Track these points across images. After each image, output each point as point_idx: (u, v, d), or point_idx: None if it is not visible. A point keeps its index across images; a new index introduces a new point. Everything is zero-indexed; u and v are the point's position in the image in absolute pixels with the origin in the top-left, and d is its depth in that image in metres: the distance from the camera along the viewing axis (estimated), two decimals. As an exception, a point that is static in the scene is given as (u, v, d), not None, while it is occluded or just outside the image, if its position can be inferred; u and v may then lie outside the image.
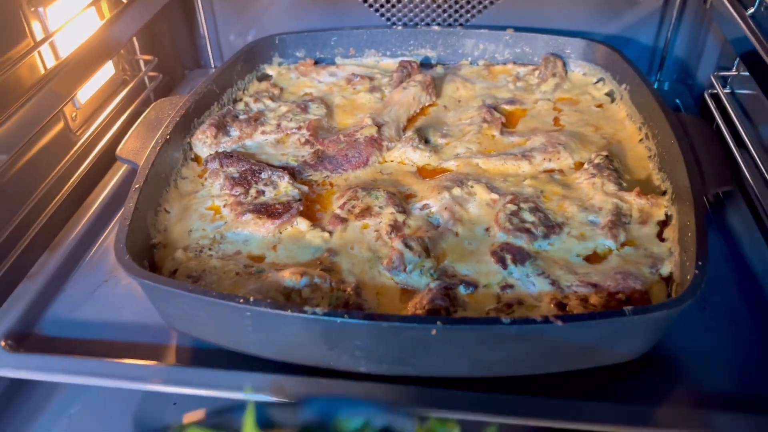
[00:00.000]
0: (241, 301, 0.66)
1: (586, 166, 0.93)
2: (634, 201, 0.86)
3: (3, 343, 0.82)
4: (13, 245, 0.90)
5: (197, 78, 1.40)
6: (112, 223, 1.01)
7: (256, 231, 0.85)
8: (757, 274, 0.86)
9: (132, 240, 0.78)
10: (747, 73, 1.03)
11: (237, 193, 0.91)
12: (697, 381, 0.74)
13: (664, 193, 0.89)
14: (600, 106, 1.10)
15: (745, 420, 0.68)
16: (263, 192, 0.91)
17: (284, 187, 0.92)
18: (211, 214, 0.90)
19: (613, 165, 0.92)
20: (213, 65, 1.43)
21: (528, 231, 0.82)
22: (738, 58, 1.09)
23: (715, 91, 1.09)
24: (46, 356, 0.81)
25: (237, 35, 1.41)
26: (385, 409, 0.53)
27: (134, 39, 1.21)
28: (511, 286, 0.76)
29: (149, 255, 0.83)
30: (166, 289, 0.70)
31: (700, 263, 0.70)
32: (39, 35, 0.97)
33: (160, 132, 0.96)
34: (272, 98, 1.12)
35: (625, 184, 0.89)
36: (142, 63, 1.25)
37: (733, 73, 1.10)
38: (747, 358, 0.76)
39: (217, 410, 0.54)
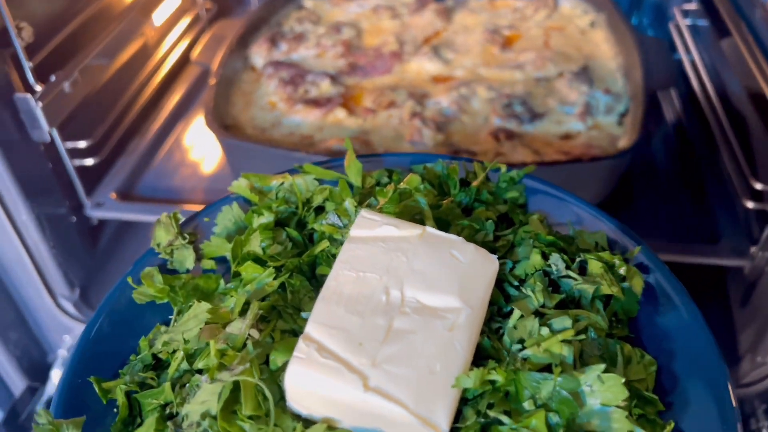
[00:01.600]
0: (304, 152, 0.92)
1: (566, 74, 1.17)
2: (601, 97, 1.10)
3: (114, 195, 1.08)
4: (114, 129, 1.15)
5: (241, 12, 1.63)
6: (186, 117, 1.27)
7: (306, 117, 1.10)
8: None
9: (215, 119, 1.03)
10: (701, 7, 1.27)
11: (289, 91, 1.15)
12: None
13: (625, 91, 1.13)
14: (582, 32, 1.34)
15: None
16: (309, 90, 1.15)
17: (326, 87, 1.16)
18: (269, 107, 1.14)
19: (588, 73, 1.16)
20: (252, 2, 1.65)
21: (517, 117, 1.07)
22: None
23: (677, 22, 1.32)
24: (143, 204, 1.07)
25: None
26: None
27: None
28: (502, 154, 1.01)
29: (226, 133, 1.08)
30: (247, 145, 0.96)
31: (639, 133, 0.94)
32: (128, -36, 1.21)
33: (225, 44, 1.20)
34: (312, 22, 1.35)
35: (595, 86, 1.13)
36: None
37: (693, 6, 1.33)
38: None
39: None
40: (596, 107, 1.09)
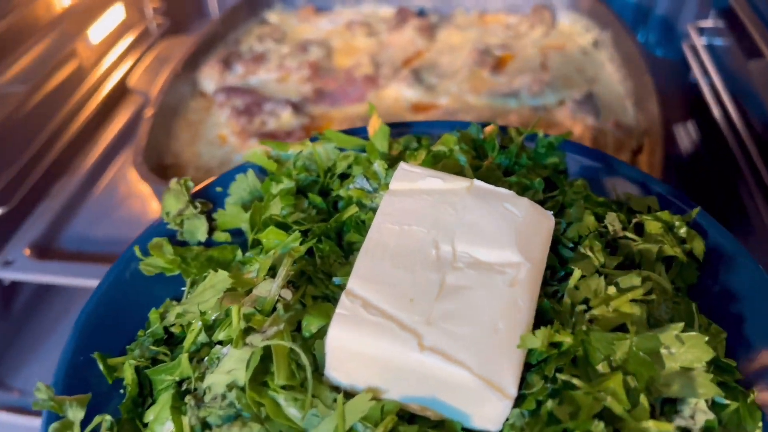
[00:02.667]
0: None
1: (568, 102, 1.00)
2: (610, 132, 0.93)
3: (28, 251, 0.89)
4: (33, 167, 0.96)
5: (199, 26, 1.45)
6: (124, 152, 1.08)
7: (261, 155, 0.92)
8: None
9: (148, 159, 0.85)
10: (722, 24, 1.11)
11: (242, 122, 0.97)
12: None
13: (637, 124, 0.96)
14: (584, 51, 1.17)
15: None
16: (266, 122, 0.98)
17: (286, 118, 0.99)
18: (219, 141, 0.97)
19: (593, 101, 0.99)
20: (212, 14, 1.48)
21: (512, 156, 0.89)
22: (714, 11, 1.16)
23: (692, 41, 1.16)
24: (65, 263, 0.88)
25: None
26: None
27: (143, -16, 1.26)
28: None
29: (163, 175, 0.90)
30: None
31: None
32: (55, -27, 1.03)
33: (170, 67, 1.02)
34: (275, 41, 1.18)
35: (603, 117, 0.96)
36: (150, 10, 1.31)
37: (710, 24, 1.17)
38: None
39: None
40: (604, 144, 0.92)
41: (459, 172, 0.51)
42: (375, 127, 0.56)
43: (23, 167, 0.91)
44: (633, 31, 1.21)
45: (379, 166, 0.52)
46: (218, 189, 0.56)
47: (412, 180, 0.47)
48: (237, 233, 0.53)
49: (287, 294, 0.43)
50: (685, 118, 1.00)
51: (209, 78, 1.06)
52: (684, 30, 1.25)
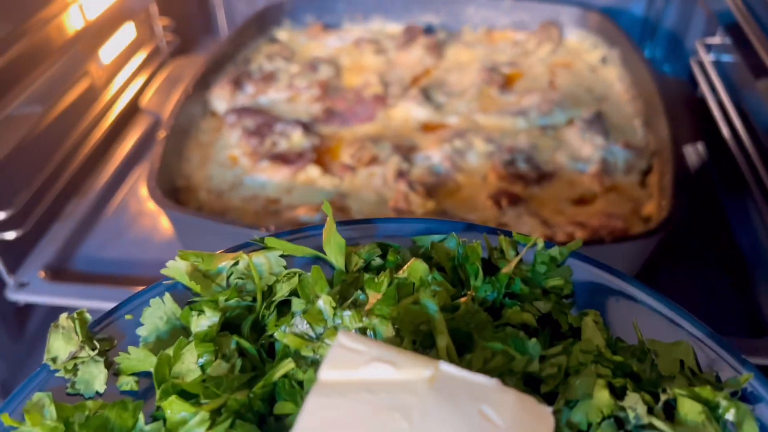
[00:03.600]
0: (264, 229, 0.74)
1: (576, 121, 1.01)
2: (619, 152, 0.93)
3: (43, 273, 0.90)
4: (47, 189, 0.97)
5: (209, 43, 1.46)
6: (136, 172, 1.09)
7: (273, 176, 0.93)
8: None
9: (160, 182, 0.86)
10: (729, 41, 1.11)
11: (253, 144, 0.98)
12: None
13: (647, 145, 0.96)
14: (593, 69, 1.18)
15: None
16: (277, 143, 0.99)
17: (297, 139, 0.99)
18: (230, 162, 0.97)
19: (602, 121, 1.00)
20: (222, 31, 1.49)
21: (522, 176, 0.90)
22: (721, 27, 1.16)
23: (700, 58, 1.16)
24: (78, 285, 0.89)
25: (246, 3, 1.47)
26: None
27: (154, 4, 1.27)
28: (505, 225, 0.84)
29: (174, 198, 0.91)
30: (196, 220, 0.78)
31: (672, 205, 0.78)
32: (68, -5, 1.04)
33: (181, 87, 1.03)
34: (284, 59, 1.18)
35: (612, 138, 0.97)
36: (161, 28, 1.32)
37: (717, 41, 1.17)
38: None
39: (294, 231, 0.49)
40: (614, 164, 0.92)
41: (426, 322, 0.39)
42: (328, 234, 0.45)
43: (37, 189, 0.92)
44: (640, 48, 1.22)
45: (324, 303, 0.41)
46: (127, 317, 0.45)
47: (351, 365, 0.34)
48: (149, 374, 0.42)
49: None
50: (694, 137, 1.01)
51: (220, 98, 1.07)
52: (691, 46, 1.26)
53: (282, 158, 0.94)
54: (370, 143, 0.97)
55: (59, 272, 0.92)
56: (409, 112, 1.05)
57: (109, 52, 1.15)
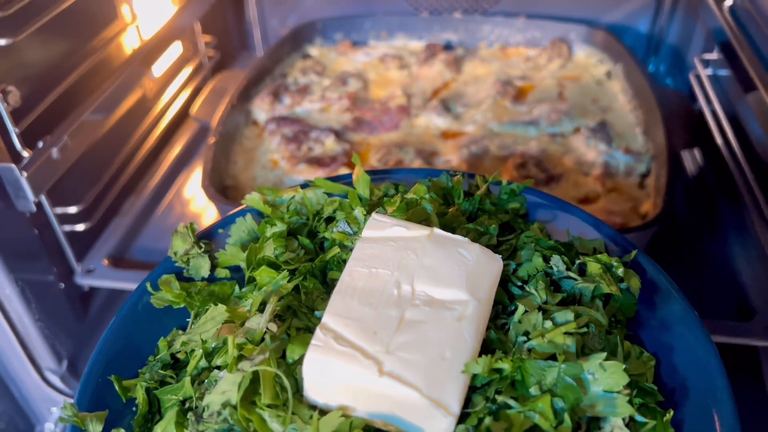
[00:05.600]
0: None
1: (583, 130, 1.11)
2: (621, 157, 1.04)
3: (106, 261, 1.02)
4: (110, 188, 1.10)
5: (245, 59, 1.59)
6: (184, 174, 1.21)
7: (309, 177, 1.04)
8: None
9: (212, 181, 0.98)
10: (724, 57, 1.21)
11: (291, 149, 1.10)
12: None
13: (646, 151, 1.06)
14: (598, 82, 1.28)
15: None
16: (312, 148, 1.10)
17: (330, 145, 1.11)
18: (271, 165, 1.09)
19: (606, 129, 1.10)
20: (257, 47, 1.62)
21: (532, 179, 1.00)
22: (717, 44, 1.26)
23: (698, 72, 1.26)
24: (136, 272, 1.01)
25: (279, 22, 1.60)
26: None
27: (198, 23, 1.40)
28: (516, 220, 0.94)
29: (224, 195, 1.02)
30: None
31: (665, 202, 0.88)
32: (127, 17, 1.17)
33: (226, 98, 1.15)
34: (317, 73, 1.30)
35: (614, 144, 1.07)
36: (203, 44, 1.45)
37: (714, 56, 1.27)
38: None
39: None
40: (616, 168, 1.03)
41: (427, 218, 0.58)
42: (358, 175, 0.62)
43: (102, 188, 1.04)
44: (644, 63, 1.32)
45: (358, 212, 0.58)
46: (220, 230, 0.63)
47: (381, 229, 0.54)
48: (236, 270, 0.59)
49: (273, 327, 0.49)
50: (692, 144, 1.10)
51: (261, 109, 1.19)
52: (692, 61, 1.36)
53: (317, 161, 1.06)
54: (396, 148, 1.08)
55: (120, 260, 1.04)
56: (431, 121, 1.17)
57: (159, 66, 1.28)
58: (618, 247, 0.60)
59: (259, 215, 0.63)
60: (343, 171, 1.05)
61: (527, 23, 1.39)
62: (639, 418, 0.45)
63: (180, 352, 0.53)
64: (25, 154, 0.86)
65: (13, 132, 0.84)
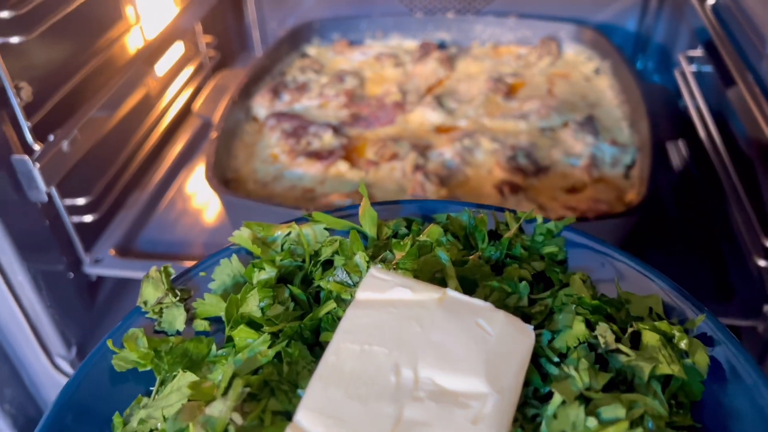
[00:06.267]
0: (304, 210, 0.90)
1: (571, 124, 1.15)
2: (607, 149, 1.08)
3: (113, 251, 1.06)
4: (114, 184, 1.14)
5: (244, 59, 1.63)
6: (186, 169, 1.25)
7: (308, 170, 1.08)
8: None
9: (215, 174, 1.02)
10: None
11: (291, 143, 1.14)
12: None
13: (632, 143, 1.11)
14: (587, 79, 1.33)
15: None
16: (311, 143, 1.14)
17: (328, 139, 1.15)
18: (271, 159, 1.13)
19: (593, 123, 1.14)
20: (256, 48, 1.66)
21: (522, 169, 1.05)
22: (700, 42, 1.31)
23: (683, 69, 1.31)
24: (142, 261, 1.05)
25: (277, 24, 1.64)
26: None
27: (199, 24, 1.44)
28: (507, 209, 0.99)
29: (227, 188, 1.07)
30: (246, 203, 0.94)
31: (648, 191, 0.92)
32: (131, 17, 1.21)
33: (227, 95, 1.19)
34: (315, 72, 1.35)
35: (601, 137, 1.11)
36: (204, 45, 1.49)
37: (698, 53, 1.32)
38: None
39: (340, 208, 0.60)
40: (602, 159, 1.07)
41: (441, 269, 0.49)
42: (364, 209, 0.54)
43: (108, 182, 1.08)
44: (631, 60, 1.37)
45: (360, 258, 0.50)
46: (201, 274, 0.55)
47: (380, 290, 0.44)
48: (219, 320, 0.51)
49: (238, 419, 0.41)
50: (676, 137, 1.15)
51: (261, 105, 1.23)
52: (677, 59, 1.40)
53: (316, 155, 1.10)
54: (391, 142, 1.12)
55: (126, 251, 1.08)
56: (425, 116, 1.21)
57: (162, 66, 1.32)
58: (680, 306, 0.49)
59: (248, 254, 0.55)
60: (341, 164, 1.09)
61: (518, 23, 1.44)
62: None
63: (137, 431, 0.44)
64: (36, 147, 0.90)
65: (26, 126, 0.88)
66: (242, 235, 0.55)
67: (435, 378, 0.39)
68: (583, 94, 1.27)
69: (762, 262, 0.88)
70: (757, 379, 0.44)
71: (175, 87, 1.34)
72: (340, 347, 0.41)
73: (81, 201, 1.01)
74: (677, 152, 1.27)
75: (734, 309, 0.92)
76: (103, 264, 1.05)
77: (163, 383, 0.47)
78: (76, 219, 1.01)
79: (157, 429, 0.43)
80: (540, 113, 1.19)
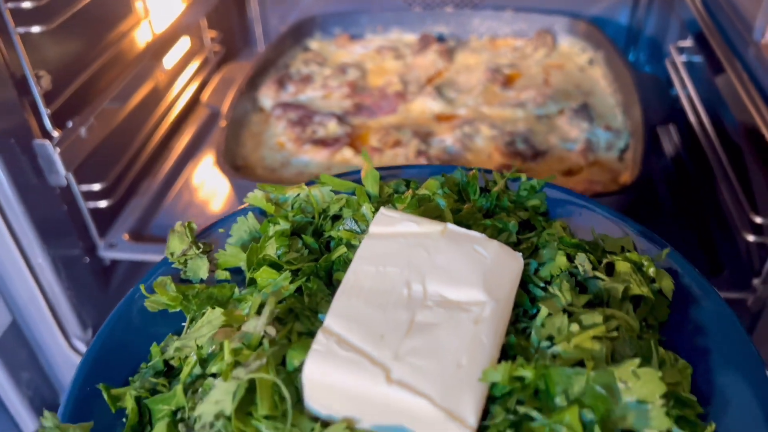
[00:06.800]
0: (314, 192, 0.94)
1: (566, 111, 1.20)
2: (601, 134, 1.13)
3: (127, 236, 1.10)
4: (127, 171, 1.17)
5: (247, 54, 1.68)
6: (195, 158, 1.29)
7: (314, 157, 1.13)
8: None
9: (227, 161, 1.06)
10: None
11: (297, 132, 1.18)
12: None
13: (625, 128, 1.16)
14: (581, 69, 1.37)
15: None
16: (316, 131, 1.18)
17: (333, 128, 1.19)
18: (278, 147, 1.17)
19: (588, 110, 1.19)
20: (259, 44, 1.70)
21: (520, 154, 1.09)
22: (690, 33, 1.36)
23: (674, 59, 1.36)
24: (154, 245, 1.09)
25: (279, 19, 1.68)
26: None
27: (204, 19, 1.48)
28: (506, 191, 1.03)
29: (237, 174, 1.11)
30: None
31: (640, 172, 0.97)
32: (141, 12, 1.25)
33: (234, 87, 1.23)
34: (318, 64, 1.39)
35: (596, 123, 1.16)
36: (209, 39, 1.53)
37: (688, 44, 1.37)
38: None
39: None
40: (597, 144, 1.11)
41: (440, 215, 0.54)
42: (366, 171, 0.59)
43: (122, 169, 1.12)
44: (623, 51, 1.41)
45: (366, 209, 0.55)
46: (221, 230, 0.60)
47: (390, 224, 0.50)
48: (237, 271, 0.56)
49: (272, 331, 0.45)
50: (667, 122, 1.20)
51: (267, 96, 1.27)
52: (668, 50, 1.45)
53: (322, 142, 1.14)
54: (394, 130, 1.17)
55: (139, 235, 1.12)
56: (426, 105, 1.25)
57: (170, 59, 1.36)
58: (649, 246, 0.56)
59: (261, 214, 0.60)
60: (346, 151, 1.13)
61: (514, 16, 1.48)
62: (677, 431, 0.40)
63: (174, 358, 0.49)
64: (55, 133, 0.93)
65: (45, 113, 0.92)
66: (256, 196, 0.60)
67: (441, 291, 0.45)
68: (578, 83, 1.32)
69: (750, 237, 0.93)
70: (714, 298, 0.51)
71: (182, 80, 1.38)
72: (359, 269, 0.47)
73: (96, 187, 1.05)
74: (668, 136, 1.32)
75: (724, 282, 0.97)
76: (118, 248, 1.08)
77: (192, 321, 0.52)
78: (91, 204, 1.05)
79: (191, 354, 0.47)
80: (536, 101, 1.23)
